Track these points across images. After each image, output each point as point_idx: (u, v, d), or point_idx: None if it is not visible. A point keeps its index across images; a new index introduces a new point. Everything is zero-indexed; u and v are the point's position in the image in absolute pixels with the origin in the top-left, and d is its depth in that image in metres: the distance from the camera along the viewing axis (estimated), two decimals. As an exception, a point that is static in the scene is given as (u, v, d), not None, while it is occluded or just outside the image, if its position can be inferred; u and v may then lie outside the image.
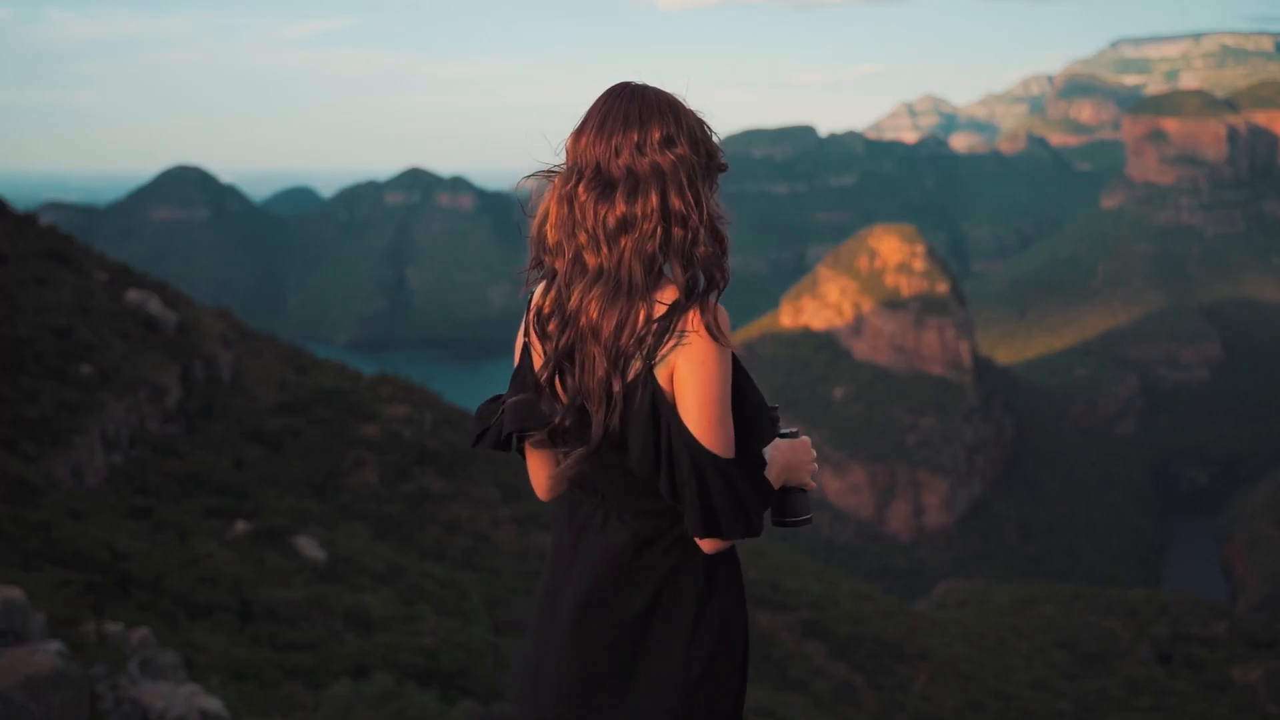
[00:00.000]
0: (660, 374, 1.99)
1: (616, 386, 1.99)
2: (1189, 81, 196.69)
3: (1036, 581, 47.22)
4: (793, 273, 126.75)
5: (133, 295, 22.34)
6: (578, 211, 2.04)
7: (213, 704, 6.59)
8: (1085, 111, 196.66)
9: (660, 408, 1.98)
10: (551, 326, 2.06)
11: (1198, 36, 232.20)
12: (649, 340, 1.97)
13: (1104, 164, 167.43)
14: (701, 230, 2.04)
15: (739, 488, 2.00)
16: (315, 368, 27.12)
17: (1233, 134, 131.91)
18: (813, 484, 2.25)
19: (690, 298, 1.99)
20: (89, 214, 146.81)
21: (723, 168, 2.14)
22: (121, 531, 13.41)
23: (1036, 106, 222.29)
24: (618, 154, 2.04)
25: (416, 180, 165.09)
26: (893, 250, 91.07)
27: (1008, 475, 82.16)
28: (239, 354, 24.68)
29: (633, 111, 2.08)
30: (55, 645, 5.85)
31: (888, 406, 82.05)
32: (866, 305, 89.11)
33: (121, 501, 15.51)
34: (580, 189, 2.04)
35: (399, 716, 8.80)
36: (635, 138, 2.05)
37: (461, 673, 11.20)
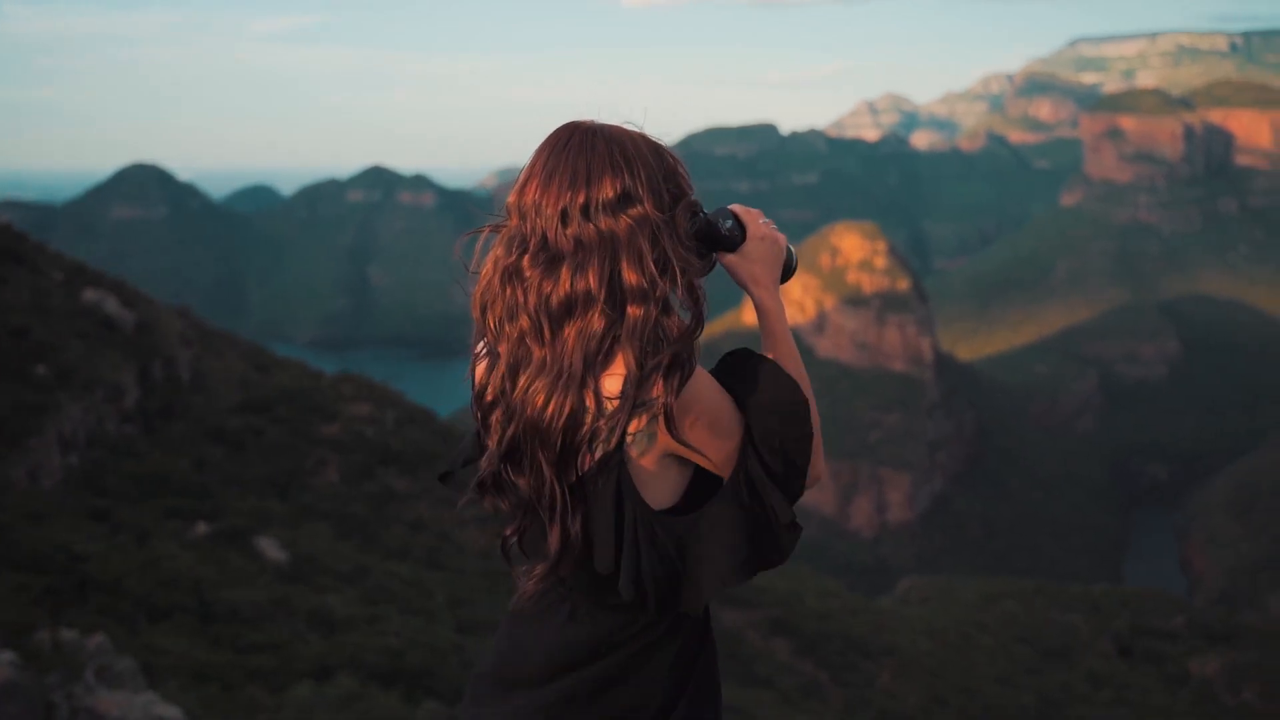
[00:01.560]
0: (640, 459, 1.74)
1: (564, 491, 1.74)
2: (1146, 80, 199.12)
3: (999, 577, 47.61)
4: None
5: (90, 294, 22.04)
6: (519, 292, 1.75)
7: (171, 712, 6.50)
8: (1044, 110, 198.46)
9: (624, 496, 1.73)
10: (495, 417, 1.79)
11: (1154, 36, 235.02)
12: (602, 434, 1.71)
13: (1063, 162, 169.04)
14: (664, 306, 1.73)
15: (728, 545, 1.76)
16: (277, 367, 26.91)
17: (1189, 132, 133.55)
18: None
19: (644, 381, 1.70)
20: (45, 212, 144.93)
21: (693, 207, 1.84)
22: (79, 534, 13.23)
23: (996, 105, 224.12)
24: (565, 221, 1.73)
25: (378, 178, 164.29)
26: (854, 248, 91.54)
27: (970, 471, 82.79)
28: (199, 353, 24.43)
29: (580, 166, 1.76)
30: (7, 655, 5.74)
31: (850, 403, 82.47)
32: (829, 302, 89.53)
33: (79, 503, 15.31)
34: (525, 263, 1.75)
35: (363, 717, 8.73)
36: (582, 199, 1.74)
37: (426, 673, 11.14)
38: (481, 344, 1.87)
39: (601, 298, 1.72)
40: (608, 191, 1.74)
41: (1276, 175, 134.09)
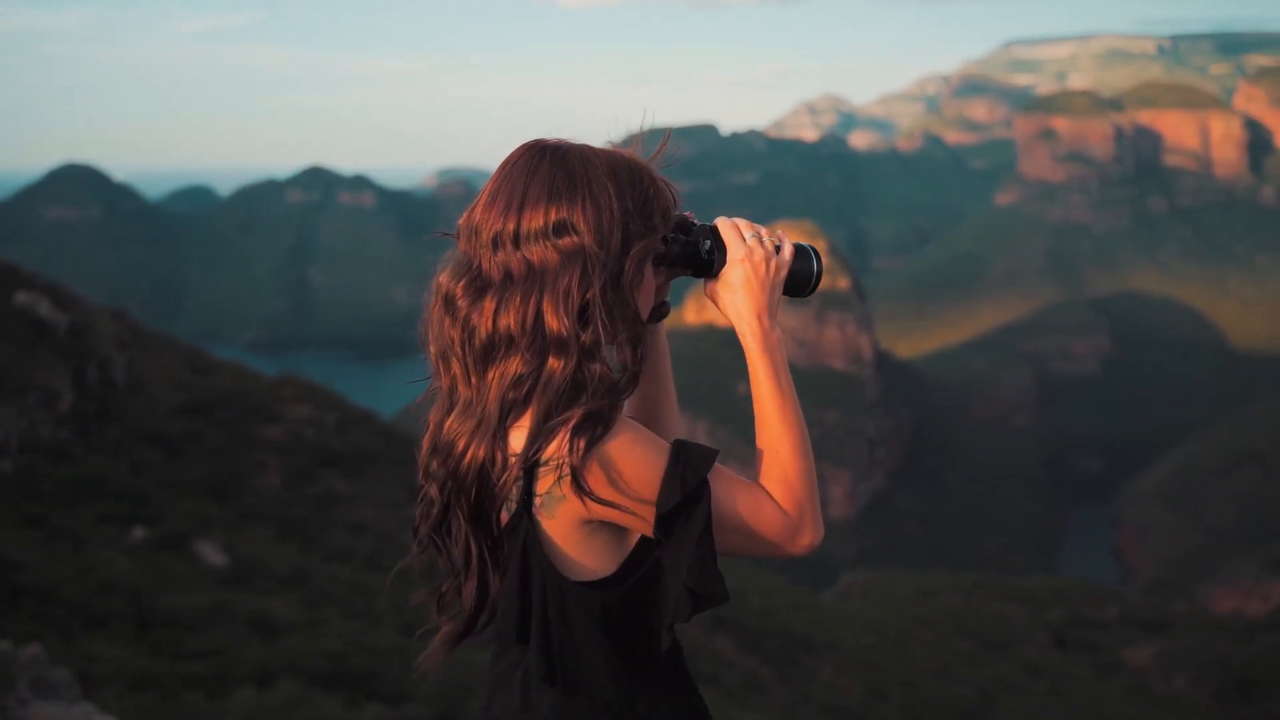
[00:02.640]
0: (550, 522, 1.56)
1: (479, 547, 1.61)
2: (1077, 82, 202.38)
3: (938, 571, 48.26)
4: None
5: (22, 297, 21.63)
6: (448, 324, 1.61)
7: (108, 720, 6.43)
8: (979, 110, 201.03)
9: (531, 564, 1.57)
10: (436, 464, 1.63)
11: (1085, 38, 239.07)
12: (509, 486, 1.56)
13: (998, 162, 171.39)
14: (590, 354, 1.55)
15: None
16: (215, 369, 26.58)
17: (1119, 133, 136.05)
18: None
19: (543, 438, 1.53)
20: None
21: (659, 250, 1.63)
22: (13, 541, 13.00)
23: (933, 106, 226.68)
24: (495, 247, 1.58)
25: (317, 179, 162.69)
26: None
27: (909, 467, 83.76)
28: (135, 356, 24.07)
29: (518, 188, 1.60)
30: (-59, 665, 5.65)
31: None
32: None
33: (12, 510, 15.04)
34: (459, 290, 1.60)
35: (306, 722, 8.68)
36: (513, 225, 1.58)
37: (369, 675, 11.10)
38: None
39: (523, 344, 1.56)
40: (539, 219, 1.57)
41: (1203, 176, 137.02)
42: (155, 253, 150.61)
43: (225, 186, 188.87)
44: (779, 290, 1.70)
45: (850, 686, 22.80)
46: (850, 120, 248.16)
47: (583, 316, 1.56)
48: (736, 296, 1.68)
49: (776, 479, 1.60)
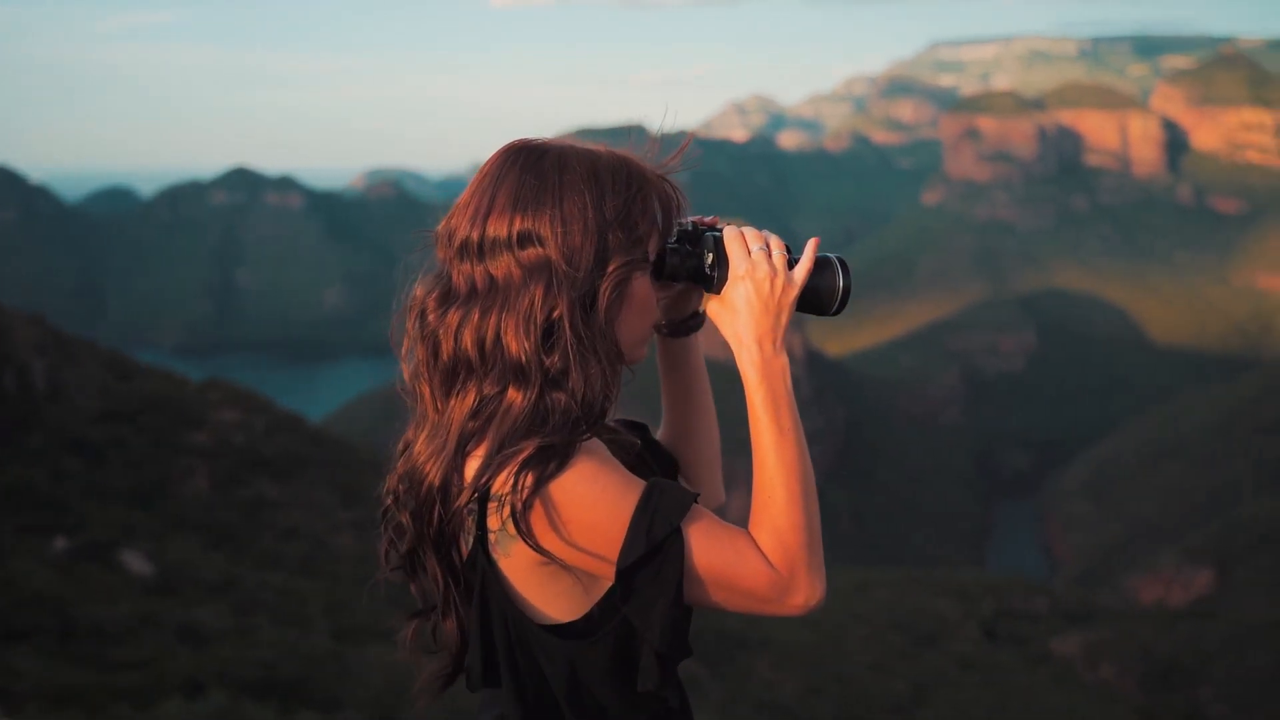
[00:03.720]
0: (506, 560, 1.44)
1: (446, 579, 1.50)
2: (1001, 82, 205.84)
3: (871, 567, 48.77)
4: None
5: (-65, 302, 21.04)
6: (419, 341, 1.50)
7: (34, 731, 6.28)
8: (906, 111, 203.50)
9: (490, 602, 1.46)
10: (404, 489, 1.51)
11: (1008, 40, 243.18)
12: (462, 517, 1.44)
13: (924, 161, 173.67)
14: (554, 382, 1.43)
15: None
16: (140, 374, 26.07)
17: (1042, 133, 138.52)
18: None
19: (489, 470, 1.40)
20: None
21: (642, 267, 1.49)
22: (-72, 553, 12.65)
23: (860, 106, 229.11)
24: (461, 257, 1.47)
25: (242, 180, 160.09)
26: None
27: (841, 465, 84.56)
28: (56, 362, 23.52)
29: (487, 193, 1.47)
30: None
31: (724, 400, 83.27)
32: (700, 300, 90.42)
33: (-73, 521, 14.62)
34: (431, 302, 1.49)
35: (237, 732, 8.54)
36: (478, 234, 1.46)
37: (301, 683, 10.95)
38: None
39: (483, 368, 1.44)
40: (503, 228, 1.44)
41: (1123, 174, 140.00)
42: (75, 256, 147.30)
43: (147, 188, 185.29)
44: (787, 313, 1.53)
45: (786, 683, 22.97)
46: (779, 120, 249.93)
47: (547, 340, 1.42)
48: (736, 319, 1.52)
49: (766, 529, 1.45)
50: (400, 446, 1.55)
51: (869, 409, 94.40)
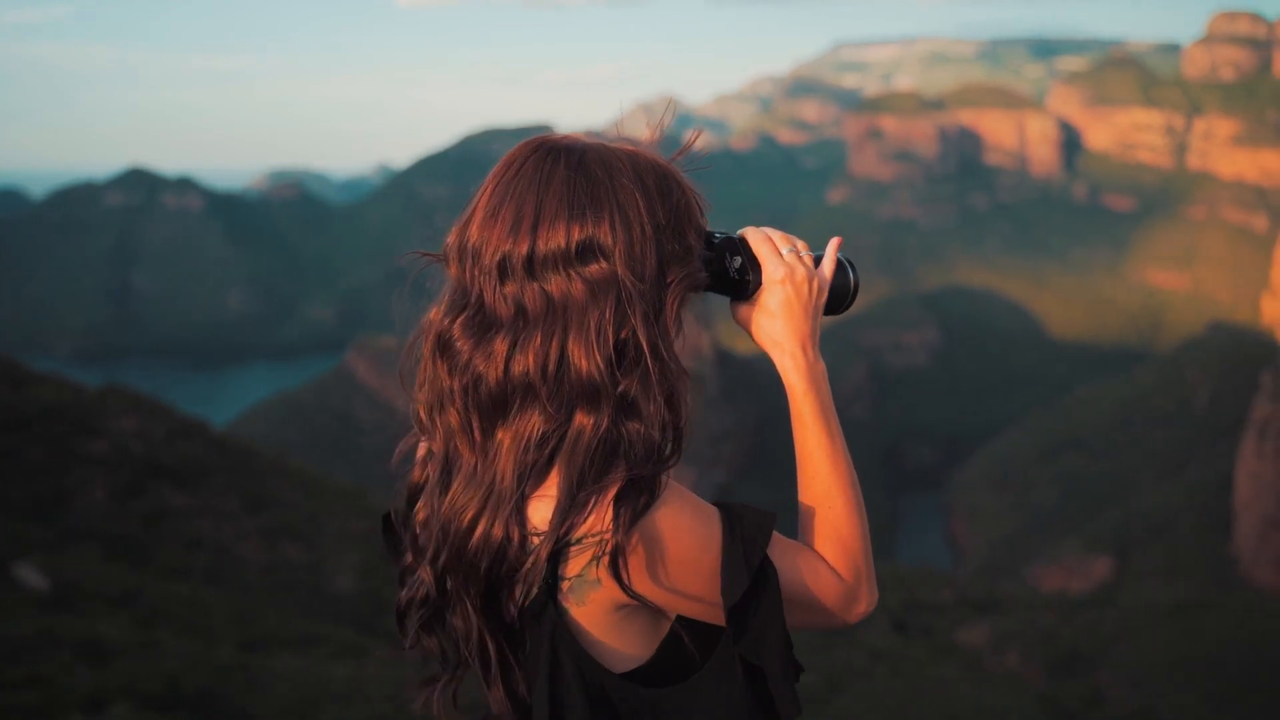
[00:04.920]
0: (580, 609, 1.30)
1: (495, 640, 1.34)
2: (902, 83, 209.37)
3: (781, 562, 49.15)
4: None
5: None
6: (444, 371, 1.32)
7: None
8: (810, 111, 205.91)
9: (561, 656, 1.30)
10: (423, 535, 1.36)
11: (909, 41, 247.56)
12: (533, 571, 1.28)
13: (828, 160, 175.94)
14: (627, 409, 1.28)
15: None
16: (33, 382, 25.26)
17: (942, 133, 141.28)
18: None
19: (576, 511, 1.26)
20: None
21: (701, 278, 1.38)
22: None
23: (766, 106, 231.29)
24: (503, 276, 1.29)
25: (139, 180, 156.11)
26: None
27: (752, 462, 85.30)
28: (-58, 371, 22.72)
29: (528, 201, 1.29)
30: None
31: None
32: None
33: None
34: (458, 329, 1.31)
35: (141, 748, 8.32)
36: (525, 248, 1.27)
37: (208, 695, 10.71)
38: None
39: (544, 392, 1.27)
40: (559, 239, 1.27)
41: (1020, 174, 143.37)
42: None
43: (38, 189, 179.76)
44: (820, 314, 1.47)
45: (700, 680, 23.10)
46: (686, 120, 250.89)
47: (620, 361, 1.29)
48: (776, 323, 1.44)
49: (830, 539, 1.41)
50: (406, 491, 1.41)
51: (780, 407, 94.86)
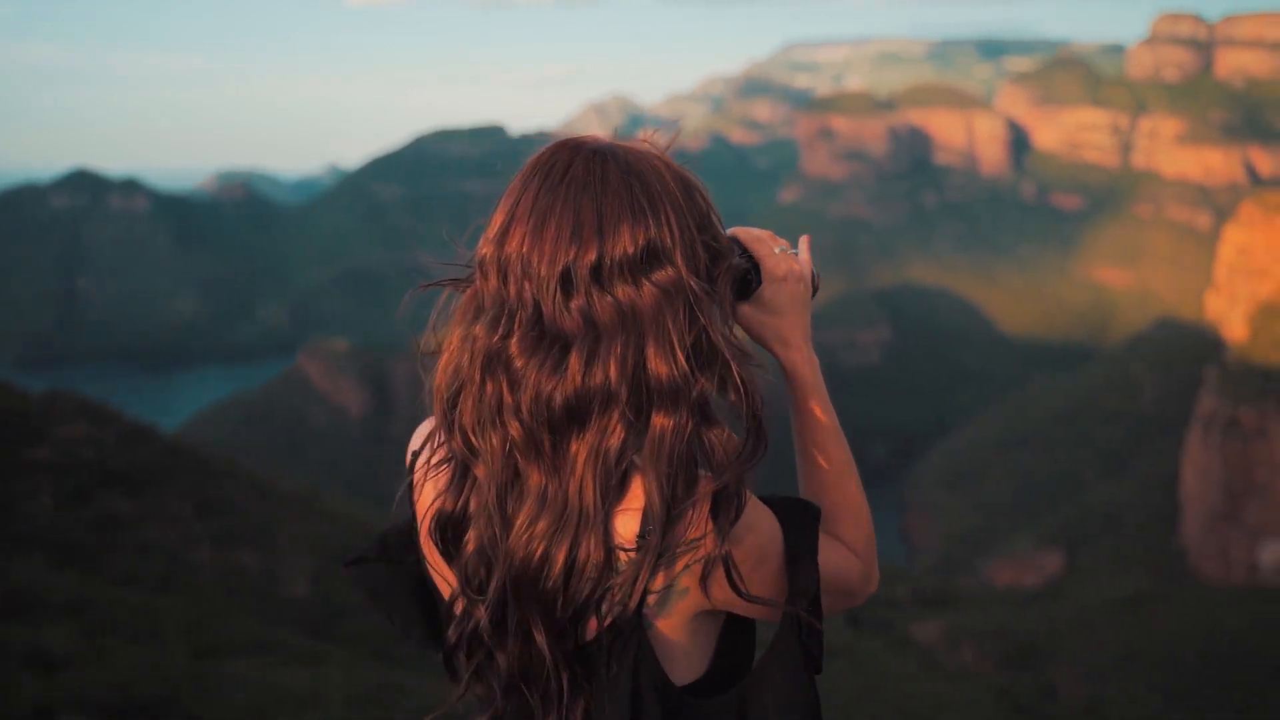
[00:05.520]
0: (663, 621, 1.29)
1: (569, 669, 1.29)
2: (853, 83, 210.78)
3: (737, 560, 49.30)
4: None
5: None
6: (505, 387, 1.25)
7: None
8: (762, 110, 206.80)
9: (642, 675, 1.26)
10: (469, 563, 1.29)
11: (860, 42, 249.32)
12: (617, 594, 1.25)
13: (781, 160, 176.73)
14: (704, 414, 1.27)
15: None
16: (-25, 389, 24.86)
17: (893, 132, 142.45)
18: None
19: (675, 522, 1.23)
20: None
21: (738, 269, 1.39)
22: None
23: (718, 106, 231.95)
24: (568, 288, 1.24)
25: (84, 182, 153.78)
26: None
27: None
28: (-118, 377, 22.27)
29: (587, 207, 1.26)
30: None
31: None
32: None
33: None
34: (514, 347, 1.25)
35: (91, 758, 8.20)
36: (592, 257, 1.24)
37: (161, 704, 10.58)
38: (430, 449, 1.36)
39: (624, 401, 1.23)
40: (627, 245, 1.25)
41: (969, 173, 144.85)
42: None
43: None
44: (810, 308, 1.52)
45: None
46: (638, 120, 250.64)
47: (695, 361, 1.27)
48: (783, 320, 1.47)
49: (849, 522, 1.45)
50: (430, 520, 1.33)
51: (769, 399, 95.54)
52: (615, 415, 1.24)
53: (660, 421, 1.24)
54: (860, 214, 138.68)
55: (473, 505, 1.29)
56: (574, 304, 1.24)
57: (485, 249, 1.30)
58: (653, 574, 1.24)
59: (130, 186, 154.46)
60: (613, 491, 1.24)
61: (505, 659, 1.29)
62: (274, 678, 12.03)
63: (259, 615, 17.10)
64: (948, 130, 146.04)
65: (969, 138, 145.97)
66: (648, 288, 1.25)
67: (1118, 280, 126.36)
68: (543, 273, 1.25)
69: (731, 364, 1.29)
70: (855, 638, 30.85)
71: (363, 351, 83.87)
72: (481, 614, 1.28)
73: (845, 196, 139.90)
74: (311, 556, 19.97)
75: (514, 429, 1.24)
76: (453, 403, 1.30)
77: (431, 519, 1.33)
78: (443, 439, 1.33)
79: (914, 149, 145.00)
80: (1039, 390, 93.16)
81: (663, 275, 1.26)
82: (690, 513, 1.23)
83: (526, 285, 1.26)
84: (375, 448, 74.11)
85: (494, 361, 1.26)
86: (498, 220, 1.31)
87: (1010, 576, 58.90)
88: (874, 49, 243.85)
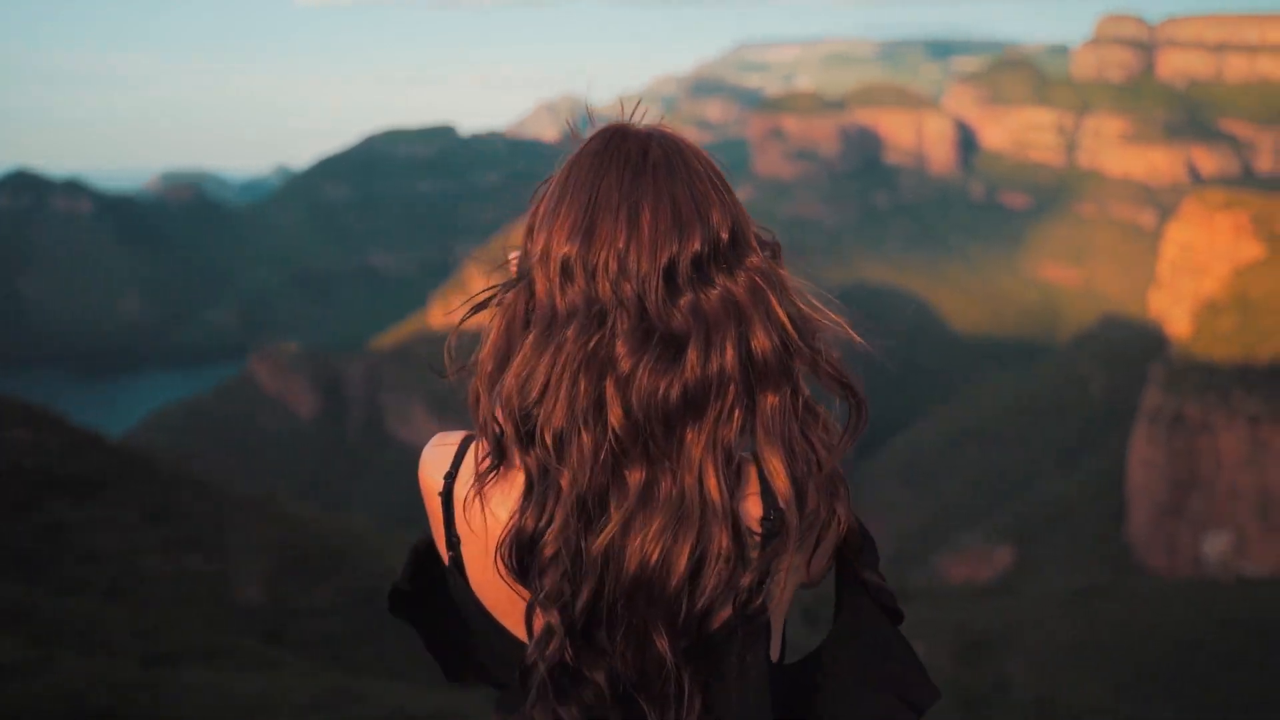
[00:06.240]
0: (776, 600, 1.29)
1: (692, 671, 1.24)
2: (804, 83, 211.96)
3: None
4: (441, 272, 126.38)
5: None
6: (609, 386, 1.19)
7: None
8: (713, 110, 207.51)
9: (764, 663, 1.26)
10: (551, 578, 1.20)
11: (810, 42, 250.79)
12: (749, 582, 1.22)
13: (732, 160, 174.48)
14: (798, 391, 1.28)
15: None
16: (-84, 395, 24.40)
17: (843, 132, 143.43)
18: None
19: (806, 501, 1.25)
20: None
21: (777, 248, 1.40)
22: None
23: (669, 105, 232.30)
24: (672, 283, 1.22)
25: (24, 183, 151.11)
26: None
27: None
28: None
29: (682, 196, 1.24)
30: None
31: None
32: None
33: None
34: (621, 346, 1.20)
35: (40, 769, 8.07)
36: (696, 248, 1.23)
37: (110, 714, 10.44)
38: (473, 462, 1.28)
39: (738, 388, 1.23)
40: (721, 232, 1.26)
41: (919, 172, 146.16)
42: None
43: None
44: None
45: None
46: (589, 120, 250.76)
47: (784, 343, 1.30)
48: None
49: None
50: (508, 539, 1.24)
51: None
52: (732, 401, 1.22)
53: (771, 401, 1.24)
54: (812, 214, 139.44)
55: (558, 519, 1.21)
56: (682, 300, 1.22)
57: (565, 247, 1.25)
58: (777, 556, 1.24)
59: (73, 188, 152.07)
60: (732, 478, 1.23)
61: (602, 674, 1.23)
62: (227, 685, 11.90)
63: (211, 621, 16.91)
64: (897, 130, 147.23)
65: (918, 137, 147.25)
66: (742, 274, 1.26)
67: (1065, 278, 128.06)
68: (643, 268, 1.21)
69: (817, 341, 1.32)
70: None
71: (314, 353, 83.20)
72: (556, 621, 1.22)
73: (797, 196, 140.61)
74: (264, 561, 19.78)
75: (618, 426, 1.19)
76: (525, 414, 1.23)
77: (509, 539, 1.24)
78: (488, 453, 1.27)
79: (864, 149, 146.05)
80: (990, 387, 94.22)
81: (753, 260, 1.29)
82: (812, 489, 1.25)
83: (625, 284, 1.21)
84: (327, 449, 73.50)
85: (592, 363, 1.21)
86: (571, 214, 1.27)
87: (963, 571, 59.48)
88: (824, 49, 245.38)
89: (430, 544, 1.38)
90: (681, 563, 1.19)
